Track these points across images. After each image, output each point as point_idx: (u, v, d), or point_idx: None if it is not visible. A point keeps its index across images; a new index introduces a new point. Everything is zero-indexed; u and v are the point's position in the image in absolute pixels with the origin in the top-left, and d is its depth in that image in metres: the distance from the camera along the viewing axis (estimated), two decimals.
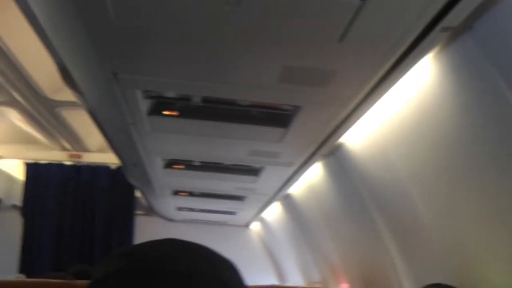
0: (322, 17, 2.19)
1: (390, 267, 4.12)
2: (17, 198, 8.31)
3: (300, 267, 7.37)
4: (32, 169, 8.04)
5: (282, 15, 2.20)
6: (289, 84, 2.93)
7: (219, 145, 4.34)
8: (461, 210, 2.95)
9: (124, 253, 0.82)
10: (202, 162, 4.97)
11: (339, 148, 4.20)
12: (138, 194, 8.02)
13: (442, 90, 2.66)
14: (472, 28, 2.24)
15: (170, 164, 5.10)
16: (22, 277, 6.47)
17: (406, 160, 3.32)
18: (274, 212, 7.36)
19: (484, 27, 2.20)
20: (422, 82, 2.77)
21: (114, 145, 4.79)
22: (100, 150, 7.80)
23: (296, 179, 5.32)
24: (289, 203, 6.41)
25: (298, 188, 5.76)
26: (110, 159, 7.35)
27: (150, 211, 8.86)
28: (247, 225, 9.13)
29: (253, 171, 5.13)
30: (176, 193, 6.61)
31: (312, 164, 4.69)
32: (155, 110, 3.62)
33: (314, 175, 5.05)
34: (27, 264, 7.83)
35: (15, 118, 6.53)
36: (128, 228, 8.12)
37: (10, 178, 8.61)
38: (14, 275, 6.38)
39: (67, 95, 4.89)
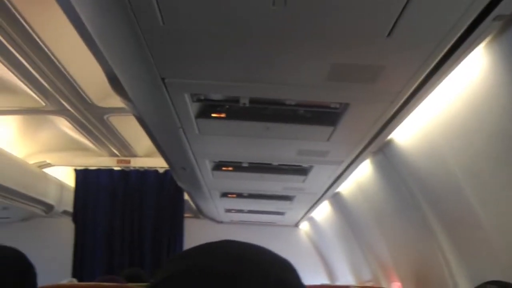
0: (370, 12, 2.17)
1: (443, 264, 4.07)
2: (68, 204, 8.44)
3: (351, 266, 7.33)
4: (82, 175, 8.14)
5: (329, 12, 2.18)
6: (337, 81, 2.91)
7: (267, 145, 4.34)
8: None
9: (184, 255, 0.82)
10: (250, 163, 4.97)
11: (388, 144, 4.16)
12: (186, 197, 8.06)
13: (496, 81, 2.60)
14: None
15: (218, 166, 5.13)
16: (74, 281, 6.56)
17: (459, 154, 3.27)
18: (323, 211, 7.33)
19: None
20: (474, 73, 2.72)
21: (163, 149, 4.82)
22: (148, 155, 7.87)
23: (345, 178, 5.29)
24: (338, 202, 6.37)
25: (347, 186, 5.73)
26: (158, 163, 7.41)
27: (199, 213, 8.91)
28: (296, 225, 9.11)
29: (301, 171, 5.12)
30: (225, 195, 6.64)
31: (361, 161, 4.66)
32: (203, 113, 3.64)
33: (363, 172, 5.01)
34: (80, 269, 7.92)
35: (65, 126, 6.63)
36: (177, 231, 8.15)
37: (61, 185, 8.76)
38: (67, 279, 6.46)
39: (115, 101, 4.94)
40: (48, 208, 8.70)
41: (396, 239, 5.11)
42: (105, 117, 6.06)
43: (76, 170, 8.12)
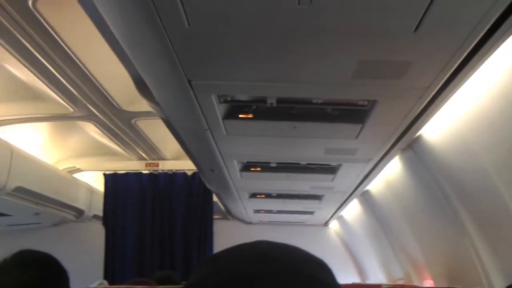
0: (396, 7, 2.15)
1: (476, 261, 4.02)
2: (98, 208, 8.51)
3: (382, 264, 7.30)
4: (111, 179, 8.20)
5: (355, 8, 2.17)
6: (364, 78, 2.89)
7: (295, 145, 4.33)
8: None
9: (215, 257, 0.82)
10: (278, 163, 4.97)
11: (417, 141, 4.13)
12: (215, 198, 8.08)
13: None
14: None
15: (246, 167, 5.13)
16: (104, 283, 6.60)
17: (491, 149, 3.23)
18: (352, 209, 7.30)
19: None
20: (505, 66, 2.68)
21: (191, 151, 4.84)
22: (176, 158, 7.90)
23: (374, 175, 5.26)
24: (368, 200, 6.35)
25: (376, 184, 5.70)
26: (187, 165, 7.44)
27: (228, 215, 8.93)
28: (325, 224, 9.09)
29: (330, 169, 5.11)
30: (253, 195, 6.64)
31: (390, 159, 4.63)
32: (230, 114, 3.64)
33: (392, 170, 4.98)
34: (111, 272, 7.99)
35: (93, 131, 6.69)
36: (207, 232, 8.17)
37: (90, 190, 8.84)
38: (97, 282, 6.51)
39: (142, 106, 4.98)
40: (79, 213, 8.80)
41: (427, 236, 5.07)
42: (132, 121, 6.10)
43: (105, 175, 8.19)
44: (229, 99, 3.43)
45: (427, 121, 3.67)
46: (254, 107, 3.57)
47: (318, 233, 9.12)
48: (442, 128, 3.71)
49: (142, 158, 7.91)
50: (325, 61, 2.70)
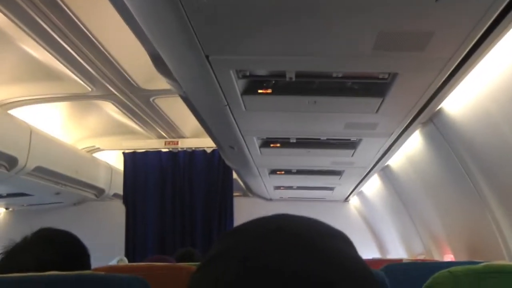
0: None
1: (498, 236, 4.00)
2: (118, 187, 8.57)
3: (402, 239, 7.28)
4: (131, 158, 8.24)
5: None
6: (384, 50, 2.85)
7: (315, 120, 4.30)
8: None
9: (237, 230, 0.81)
10: (297, 138, 4.95)
11: (438, 114, 4.09)
12: (234, 175, 8.09)
13: None
14: None
15: (266, 143, 5.12)
16: (124, 260, 6.67)
17: None
18: (372, 185, 7.28)
19: None
20: None
21: (210, 128, 4.83)
22: (195, 135, 7.90)
23: (395, 150, 5.22)
24: (388, 175, 6.32)
25: (397, 159, 5.67)
26: (206, 143, 7.46)
27: (248, 192, 8.94)
28: (345, 200, 9.08)
29: (350, 144, 5.08)
30: (273, 172, 6.63)
31: (410, 133, 4.59)
32: (249, 89, 3.62)
33: (413, 144, 4.94)
34: (132, 249, 8.06)
35: (112, 110, 6.71)
36: (227, 210, 8.20)
37: (110, 169, 8.90)
38: (117, 258, 6.58)
39: (160, 83, 4.97)
40: (99, 192, 8.88)
41: (448, 211, 5.04)
42: (151, 99, 6.11)
43: (124, 153, 8.22)
44: (247, 74, 3.40)
45: (449, 93, 3.63)
46: (273, 82, 3.55)
47: (339, 209, 9.11)
48: (464, 100, 3.66)
49: (161, 137, 7.92)
50: (345, 33, 2.66)
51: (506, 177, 3.65)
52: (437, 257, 5.72)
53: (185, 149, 8.12)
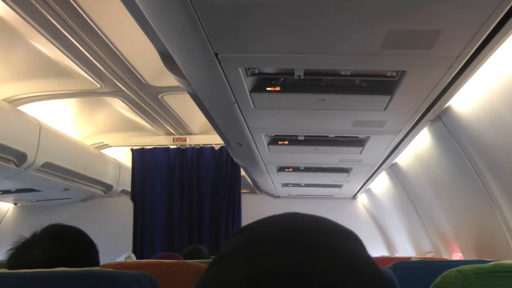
0: None
1: (506, 234, 3.99)
2: (126, 183, 8.60)
3: (410, 237, 7.27)
4: (139, 154, 8.26)
5: None
6: (393, 48, 2.85)
7: (323, 117, 4.30)
8: None
9: (248, 228, 0.82)
10: (306, 136, 4.95)
11: (446, 112, 4.09)
12: (242, 173, 8.10)
13: None
14: None
15: (274, 140, 5.12)
16: (132, 257, 6.69)
17: None
18: (380, 182, 7.27)
19: None
20: None
21: (218, 125, 4.84)
22: (203, 132, 7.92)
23: (403, 147, 5.22)
24: (396, 173, 6.31)
25: (405, 157, 5.66)
26: (214, 140, 7.48)
27: (256, 189, 8.95)
28: (353, 197, 9.07)
29: (358, 142, 5.08)
30: (281, 169, 6.63)
31: (418, 130, 4.58)
32: (258, 87, 3.63)
33: (421, 142, 4.93)
34: (140, 246, 8.08)
35: (120, 106, 6.74)
36: (235, 206, 8.22)
37: (118, 165, 8.92)
38: (124, 255, 6.61)
39: (169, 80, 5.00)
40: (107, 188, 8.91)
41: (457, 209, 5.03)
42: (159, 96, 6.13)
43: (132, 150, 8.24)
44: (256, 71, 3.41)
45: (457, 91, 3.62)
46: (282, 79, 3.56)
47: (346, 206, 9.10)
48: (472, 98, 3.65)
49: (169, 133, 7.94)
50: (354, 31, 2.66)
51: None
52: (445, 256, 5.71)
53: (193, 145, 8.14)
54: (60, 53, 4.81)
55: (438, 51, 2.86)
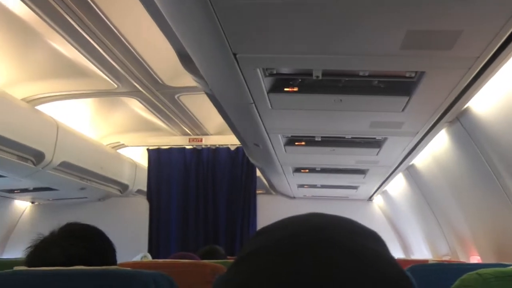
0: None
1: None
2: (142, 183, 8.62)
3: (427, 240, 7.23)
4: (155, 155, 8.27)
5: None
6: (412, 49, 2.84)
7: (340, 118, 4.29)
8: None
9: (271, 228, 0.81)
10: (323, 137, 4.93)
11: (465, 113, 4.06)
12: (258, 173, 8.10)
13: None
14: None
15: (291, 141, 5.12)
16: (148, 256, 6.70)
17: None
18: (397, 184, 7.24)
19: None
20: None
21: (235, 126, 4.84)
22: (219, 133, 7.92)
23: (420, 149, 5.19)
24: (413, 175, 6.28)
25: (422, 158, 5.63)
26: (230, 140, 7.47)
27: (271, 189, 8.94)
28: (369, 199, 9.04)
29: (375, 143, 5.06)
30: (298, 170, 6.63)
31: (436, 132, 4.56)
32: (275, 88, 3.63)
33: (439, 143, 4.90)
34: (156, 246, 8.08)
35: (137, 107, 6.75)
36: (250, 207, 8.20)
37: (134, 165, 8.95)
38: (140, 255, 6.63)
39: (185, 81, 5.01)
40: (123, 187, 8.94)
41: (475, 211, 4.99)
42: (176, 96, 6.13)
43: (149, 150, 8.26)
44: (274, 72, 3.41)
45: (476, 92, 3.59)
46: (299, 80, 3.55)
47: (362, 208, 9.06)
48: (491, 99, 3.63)
49: (185, 133, 7.94)
50: (373, 32, 2.65)
51: None
52: (463, 259, 5.67)
53: (209, 146, 8.14)
54: (78, 53, 4.83)
55: (458, 51, 2.84)
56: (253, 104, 3.92)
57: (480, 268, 1.55)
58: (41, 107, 6.18)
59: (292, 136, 5.02)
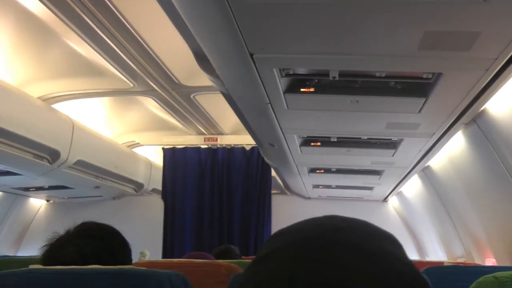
0: None
1: None
2: (157, 182, 8.64)
3: (442, 241, 7.19)
4: (170, 154, 8.29)
5: None
6: (429, 50, 2.82)
7: (356, 119, 4.28)
8: None
9: (289, 229, 0.81)
10: (338, 138, 4.93)
11: (481, 115, 4.04)
12: (273, 173, 8.09)
13: None
14: None
15: (306, 141, 5.11)
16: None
17: None
18: (412, 185, 7.21)
19: None
20: None
21: (251, 126, 4.84)
22: (234, 132, 7.93)
23: (436, 150, 5.16)
24: (429, 176, 6.25)
25: (438, 160, 5.60)
26: (245, 140, 7.48)
27: (286, 189, 8.93)
28: (384, 200, 9.01)
29: (391, 144, 5.04)
30: (313, 170, 6.62)
31: (453, 133, 4.53)
32: (292, 88, 3.62)
33: (455, 145, 4.88)
34: (170, 245, 8.10)
35: (152, 106, 6.77)
36: (265, 207, 8.20)
37: (149, 164, 8.97)
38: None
39: (201, 80, 5.02)
40: (138, 186, 8.97)
41: (490, 213, 4.96)
42: (192, 96, 6.15)
43: (164, 149, 8.27)
44: (290, 72, 3.40)
45: (493, 94, 3.57)
46: (316, 80, 3.55)
47: (377, 208, 9.03)
48: (508, 102, 3.61)
49: (200, 133, 7.96)
50: (391, 32, 2.64)
51: None
52: (478, 261, 5.64)
53: (224, 145, 8.14)
54: (94, 52, 4.85)
55: (475, 53, 2.82)
56: (269, 104, 3.91)
57: (496, 271, 1.54)
58: (57, 106, 6.21)
59: (307, 137, 5.02)
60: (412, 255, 8.50)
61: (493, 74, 3.14)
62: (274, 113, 4.12)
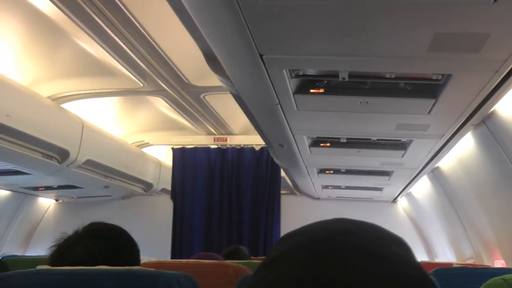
0: None
1: None
2: (166, 182, 8.65)
3: (451, 242, 7.18)
4: (180, 154, 8.28)
5: None
6: (439, 51, 2.82)
7: (366, 120, 4.28)
8: None
9: (299, 232, 0.81)
10: (348, 138, 4.93)
11: (491, 116, 4.03)
12: (282, 174, 8.09)
13: None
14: None
15: (316, 142, 5.11)
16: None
17: None
18: (422, 186, 7.20)
19: None
20: None
21: (260, 126, 4.84)
22: (244, 133, 7.93)
23: (446, 152, 5.15)
24: (438, 177, 6.24)
25: (448, 161, 5.59)
26: (254, 140, 7.48)
27: (295, 190, 8.92)
28: (394, 201, 8.99)
29: (400, 145, 5.04)
30: (322, 171, 6.61)
31: (462, 134, 4.52)
32: (301, 89, 3.62)
33: (464, 146, 4.87)
34: (179, 245, 8.10)
35: (162, 106, 6.78)
36: (274, 207, 8.18)
37: (159, 164, 8.98)
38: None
39: (211, 80, 5.02)
40: (147, 186, 8.98)
41: (500, 215, 4.95)
42: (201, 96, 6.15)
43: (173, 149, 8.27)
44: (300, 73, 3.41)
45: (503, 95, 3.57)
46: (326, 81, 3.55)
47: (387, 209, 9.01)
48: None
49: (210, 133, 7.96)
50: (401, 34, 2.64)
51: None
52: (487, 262, 5.62)
53: (233, 146, 8.14)
54: (105, 52, 4.86)
55: (485, 54, 2.82)
56: (279, 105, 3.92)
57: (505, 273, 1.53)
58: (66, 105, 6.23)
59: (317, 137, 5.02)
60: (421, 256, 8.49)
61: (503, 76, 3.14)
62: (284, 113, 4.12)
